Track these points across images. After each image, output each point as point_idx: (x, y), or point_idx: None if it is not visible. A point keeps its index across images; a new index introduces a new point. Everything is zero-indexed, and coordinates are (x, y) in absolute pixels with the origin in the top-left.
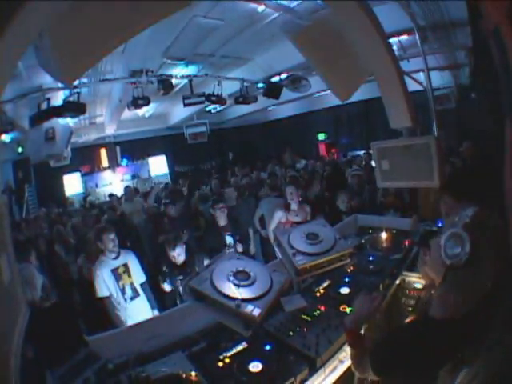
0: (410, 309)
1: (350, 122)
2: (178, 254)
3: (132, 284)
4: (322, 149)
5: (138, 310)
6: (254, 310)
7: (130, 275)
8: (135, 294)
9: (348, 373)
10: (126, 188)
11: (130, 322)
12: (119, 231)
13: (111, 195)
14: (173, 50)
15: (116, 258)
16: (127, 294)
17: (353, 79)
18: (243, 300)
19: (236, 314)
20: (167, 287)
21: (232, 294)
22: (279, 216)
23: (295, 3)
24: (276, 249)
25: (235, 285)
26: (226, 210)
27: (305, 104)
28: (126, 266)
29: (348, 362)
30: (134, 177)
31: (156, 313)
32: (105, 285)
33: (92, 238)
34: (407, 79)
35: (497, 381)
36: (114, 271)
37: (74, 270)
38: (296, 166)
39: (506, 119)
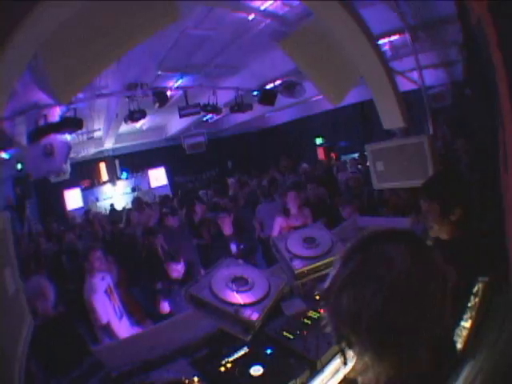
0: None
1: (347, 125)
2: (179, 270)
3: (117, 303)
4: (321, 153)
5: (127, 328)
6: (253, 315)
7: (114, 296)
8: (122, 313)
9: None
10: (136, 199)
11: None
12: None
13: (112, 206)
14: (167, 62)
15: (103, 278)
16: (118, 314)
17: (344, 83)
18: (242, 305)
19: (235, 319)
20: (166, 307)
21: (231, 300)
22: (279, 222)
23: (283, 11)
24: (275, 254)
25: (234, 291)
26: (227, 220)
27: (302, 109)
28: (110, 286)
29: (351, 364)
30: (134, 189)
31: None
32: (105, 309)
33: None
34: (402, 79)
35: (502, 374)
36: (106, 292)
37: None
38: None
39: (497, 115)
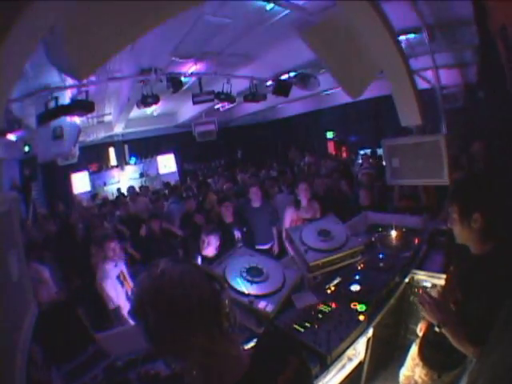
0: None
1: (358, 121)
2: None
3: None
4: (331, 147)
5: None
6: (268, 306)
7: (127, 281)
8: None
9: (357, 370)
10: (130, 188)
11: None
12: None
13: (119, 190)
14: (182, 48)
15: (116, 265)
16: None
17: (364, 76)
18: (256, 296)
19: (249, 311)
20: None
21: (245, 291)
22: (290, 213)
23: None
24: (287, 246)
25: (248, 281)
26: (231, 208)
27: (314, 102)
28: (123, 272)
29: (357, 360)
30: (142, 175)
31: None
32: (116, 293)
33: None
34: (416, 78)
35: (501, 378)
36: (118, 278)
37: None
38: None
39: None
